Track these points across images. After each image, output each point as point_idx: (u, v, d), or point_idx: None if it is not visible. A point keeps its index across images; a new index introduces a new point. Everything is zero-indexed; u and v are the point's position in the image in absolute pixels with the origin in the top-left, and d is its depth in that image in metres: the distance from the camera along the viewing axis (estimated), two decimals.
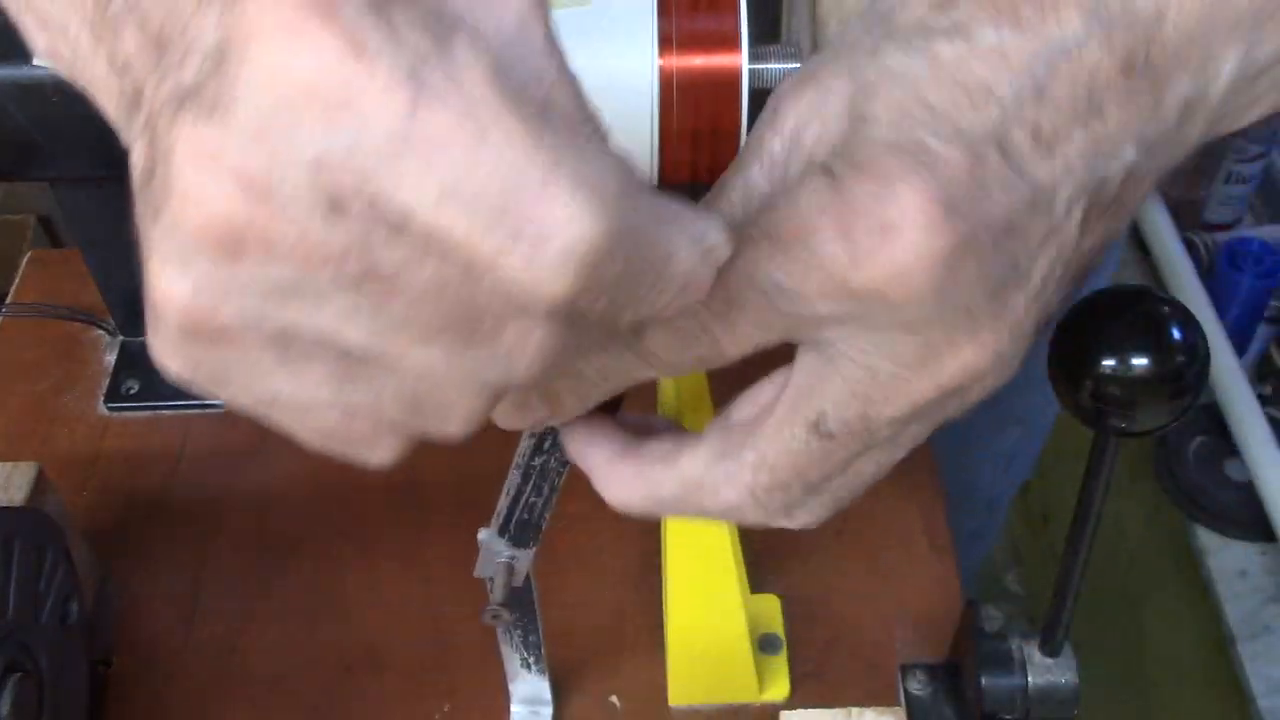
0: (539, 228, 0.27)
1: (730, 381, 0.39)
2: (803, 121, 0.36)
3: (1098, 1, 0.31)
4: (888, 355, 0.34)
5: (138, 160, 0.29)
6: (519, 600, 0.50)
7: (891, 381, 0.35)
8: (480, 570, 0.46)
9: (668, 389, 0.50)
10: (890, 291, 0.32)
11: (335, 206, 0.27)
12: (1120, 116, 0.31)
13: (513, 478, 0.43)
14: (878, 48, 0.33)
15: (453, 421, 0.32)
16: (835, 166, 0.32)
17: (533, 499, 0.43)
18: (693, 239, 0.30)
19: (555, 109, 0.30)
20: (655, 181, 0.53)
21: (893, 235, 0.31)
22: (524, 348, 0.29)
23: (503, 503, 0.44)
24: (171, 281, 0.28)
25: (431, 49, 0.26)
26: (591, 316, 0.29)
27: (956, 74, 0.31)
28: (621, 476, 0.39)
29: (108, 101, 0.32)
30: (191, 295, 0.28)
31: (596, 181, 0.27)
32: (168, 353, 0.30)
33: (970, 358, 0.34)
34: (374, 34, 0.26)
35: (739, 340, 0.35)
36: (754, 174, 0.36)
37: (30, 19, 0.34)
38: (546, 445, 0.41)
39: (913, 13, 0.33)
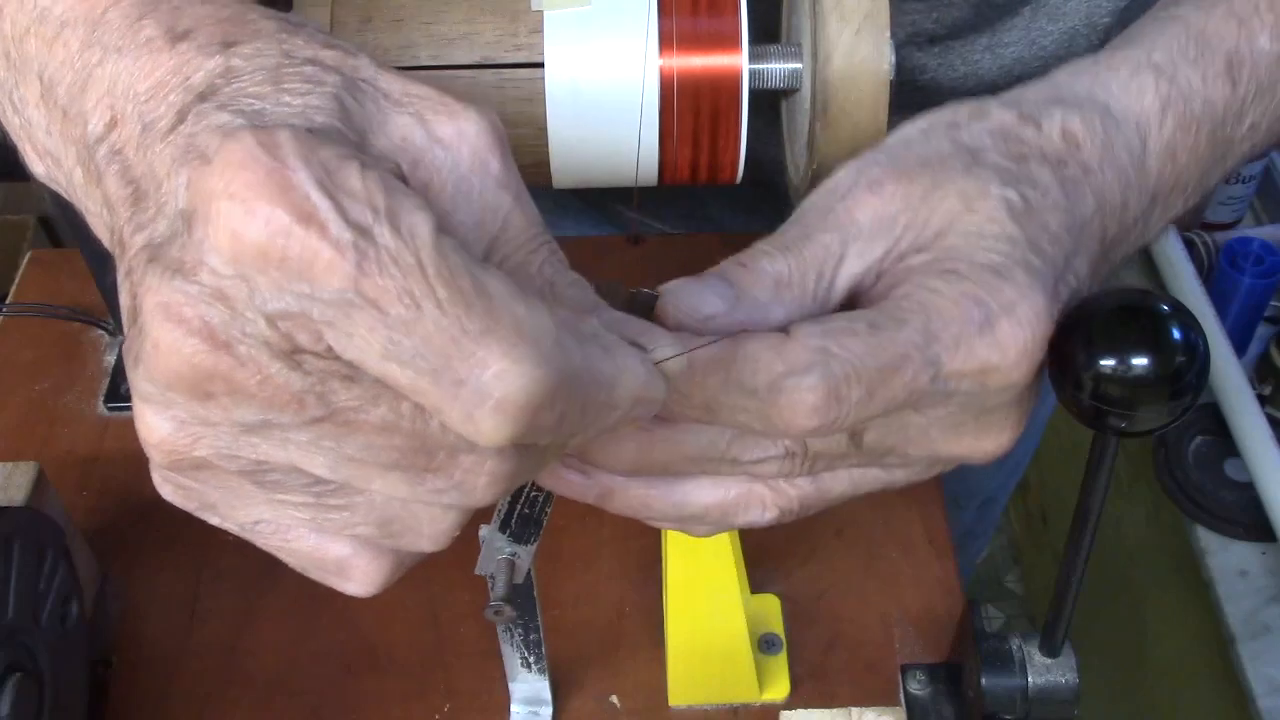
0: (474, 385, 0.29)
1: None
2: (884, 223, 0.40)
3: (1103, 199, 0.42)
4: (949, 419, 0.40)
5: (124, 301, 0.32)
6: (520, 597, 0.50)
7: (923, 433, 0.40)
8: (481, 567, 0.46)
9: None
10: (1016, 374, 0.38)
11: (292, 355, 0.30)
12: (1091, 269, 0.42)
13: None
14: (971, 173, 0.40)
15: (424, 540, 0.35)
16: (967, 272, 0.38)
17: (534, 493, 0.43)
18: (638, 363, 0.34)
19: (507, 241, 0.34)
20: (656, 181, 0.53)
21: (1028, 328, 0.38)
22: (477, 476, 0.32)
23: (503, 499, 0.43)
24: (152, 420, 0.31)
25: (375, 217, 0.29)
26: (542, 443, 0.32)
27: (1041, 219, 0.40)
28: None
29: (101, 234, 0.35)
30: (171, 432, 0.31)
31: (531, 335, 0.30)
32: (158, 481, 0.34)
33: (990, 445, 0.41)
34: (322, 204, 0.28)
35: None
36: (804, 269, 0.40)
37: (29, 148, 0.37)
38: None
39: (993, 157, 0.41)
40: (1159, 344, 0.37)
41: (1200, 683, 1.31)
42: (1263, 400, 1.29)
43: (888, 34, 0.49)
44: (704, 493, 0.41)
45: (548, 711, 0.58)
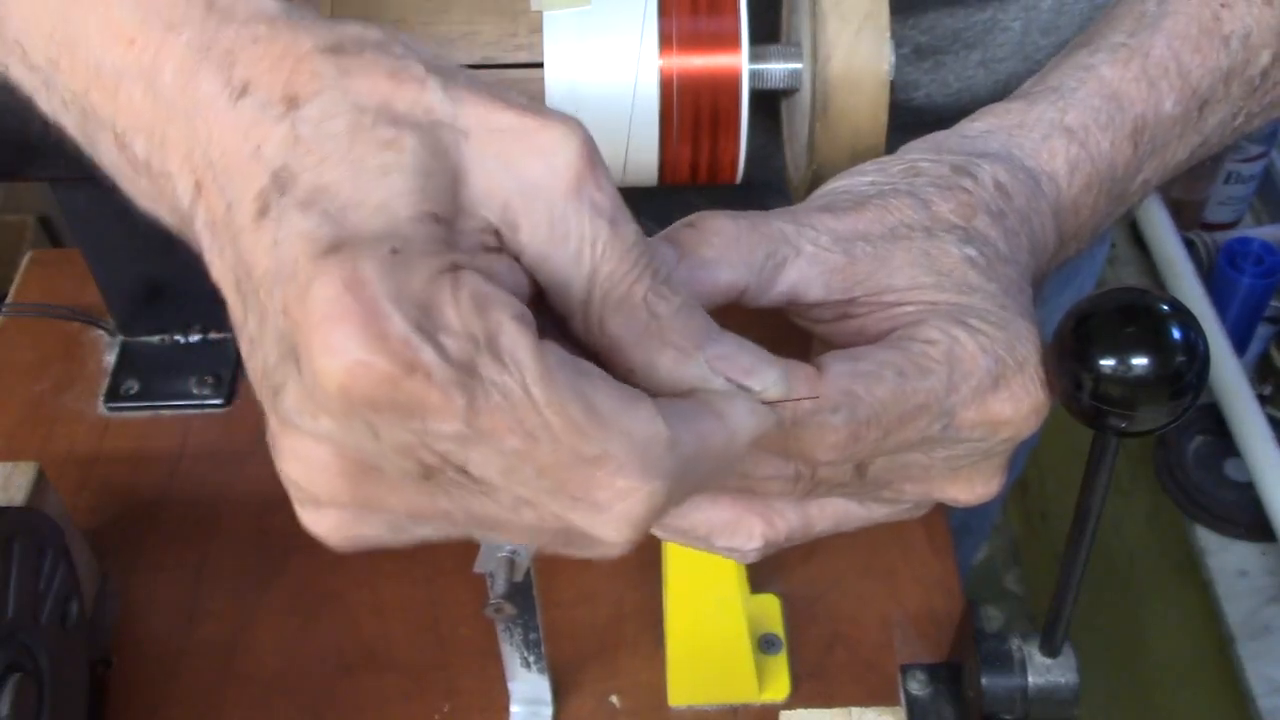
0: (595, 503, 0.30)
1: None
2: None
3: (1034, 246, 0.44)
4: (951, 461, 0.41)
5: (255, 378, 0.32)
6: (519, 597, 0.50)
7: (925, 473, 0.41)
8: (480, 565, 0.46)
9: None
10: (1026, 429, 0.40)
11: (429, 477, 0.30)
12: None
13: None
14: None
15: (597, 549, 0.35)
16: (980, 326, 0.40)
17: None
18: (749, 414, 0.34)
19: (609, 275, 0.33)
20: (655, 182, 0.53)
21: (1044, 387, 0.40)
22: (613, 549, 0.33)
23: None
24: (314, 522, 0.33)
25: (477, 349, 0.28)
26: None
27: (1000, 271, 0.42)
28: None
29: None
30: (334, 529, 0.32)
31: (645, 449, 0.30)
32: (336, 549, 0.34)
33: (981, 490, 0.43)
34: (424, 350, 0.28)
35: None
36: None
37: (120, 182, 0.36)
38: None
39: (944, 212, 0.42)
40: (1159, 344, 0.37)
41: (1200, 683, 1.31)
42: (1263, 400, 1.29)
43: (888, 34, 0.49)
44: (700, 509, 0.41)
45: (547, 711, 0.58)
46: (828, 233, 0.41)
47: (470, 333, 0.28)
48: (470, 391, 0.28)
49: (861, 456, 0.39)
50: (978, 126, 0.47)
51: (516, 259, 0.32)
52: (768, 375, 0.35)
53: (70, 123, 0.36)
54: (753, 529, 0.41)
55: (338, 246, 0.28)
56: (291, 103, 0.30)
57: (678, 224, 0.40)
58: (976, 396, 0.39)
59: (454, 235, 0.31)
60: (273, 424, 0.31)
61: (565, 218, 0.31)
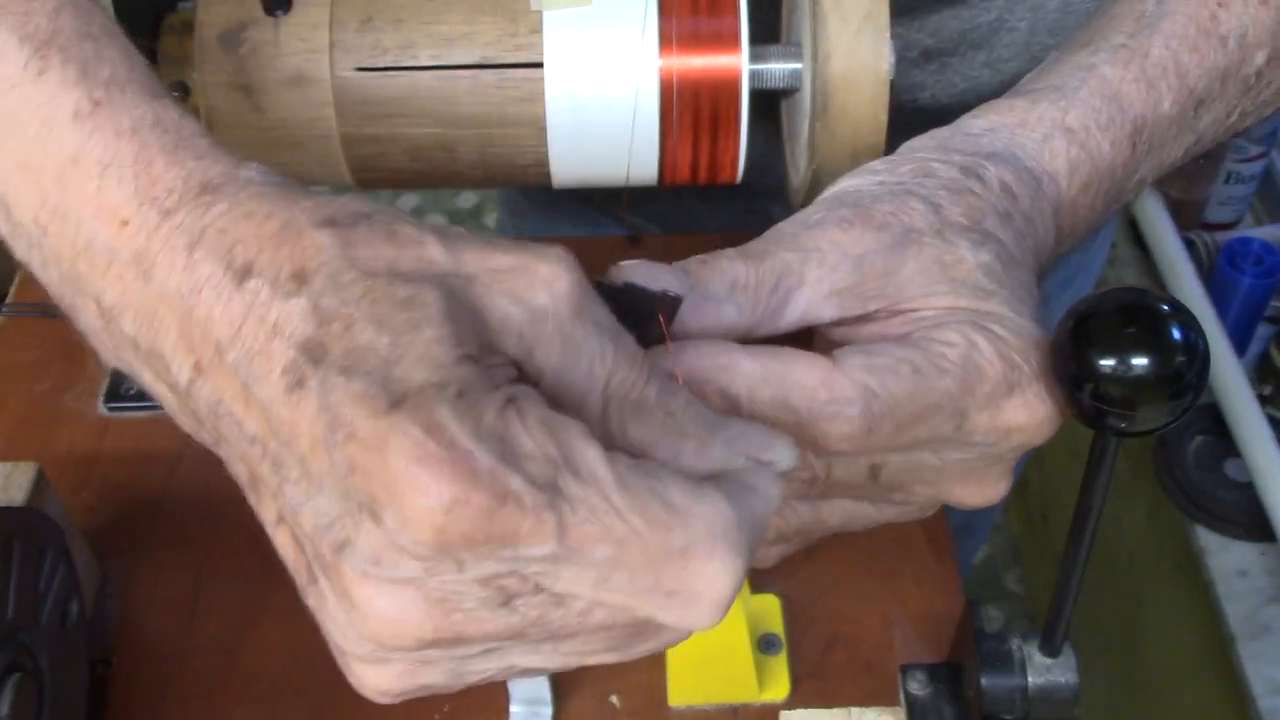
0: (688, 594, 0.31)
1: None
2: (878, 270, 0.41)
3: (1039, 247, 0.45)
4: (962, 464, 0.41)
5: (287, 552, 0.34)
6: None
7: (937, 475, 0.42)
8: None
9: None
10: (1039, 437, 0.41)
11: (508, 602, 0.31)
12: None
13: None
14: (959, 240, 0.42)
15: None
16: (1001, 333, 0.40)
17: None
18: (773, 484, 0.35)
19: (620, 382, 0.34)
20: (656, 182, 0.53)
21: (1050, 401, 0.41)
22: (687, 634, 0.34)
23: None
24: (377, 677, 0.34)
25: (557, 470, 0.30)
26: None
27: (1013, 274, 0.43)
28: None
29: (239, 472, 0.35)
30: (396, 679, 0.34)
31: (722, 531, 0.31)
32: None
33: (990, 493, 0.43)
34: (512, 479, 0.29)
35: None
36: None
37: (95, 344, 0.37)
38: None
39: (955, 216, 0.43)
40: (1159, 344, 0.37)
41: (1200, 683, 1.31)
42: (1263, 400, 1.29)
43: (888, 34, 0.49)
44: None
45: (547, 711, 0.58)
46: (835, 251, 0.41)
47: (548, 456, 0.30)
48: (559, 510, 0.29)
49: (875, 450, 0.39)
50: (979, 124, 0.47)
51: (536, 385, 0.33)
52: (781, 450, 0.36)
53: (49, 280, 0.36)
54: None
55: (400, 400, 0.29)
56: (300, 279, 0.31)
57: (692, 259, 0.41)
58: (990, 402, 0.39)
59: (490, 372, 0.32)
60: (334, 581, 0.31)
61: (574, 337, 0.33)
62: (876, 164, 0.45)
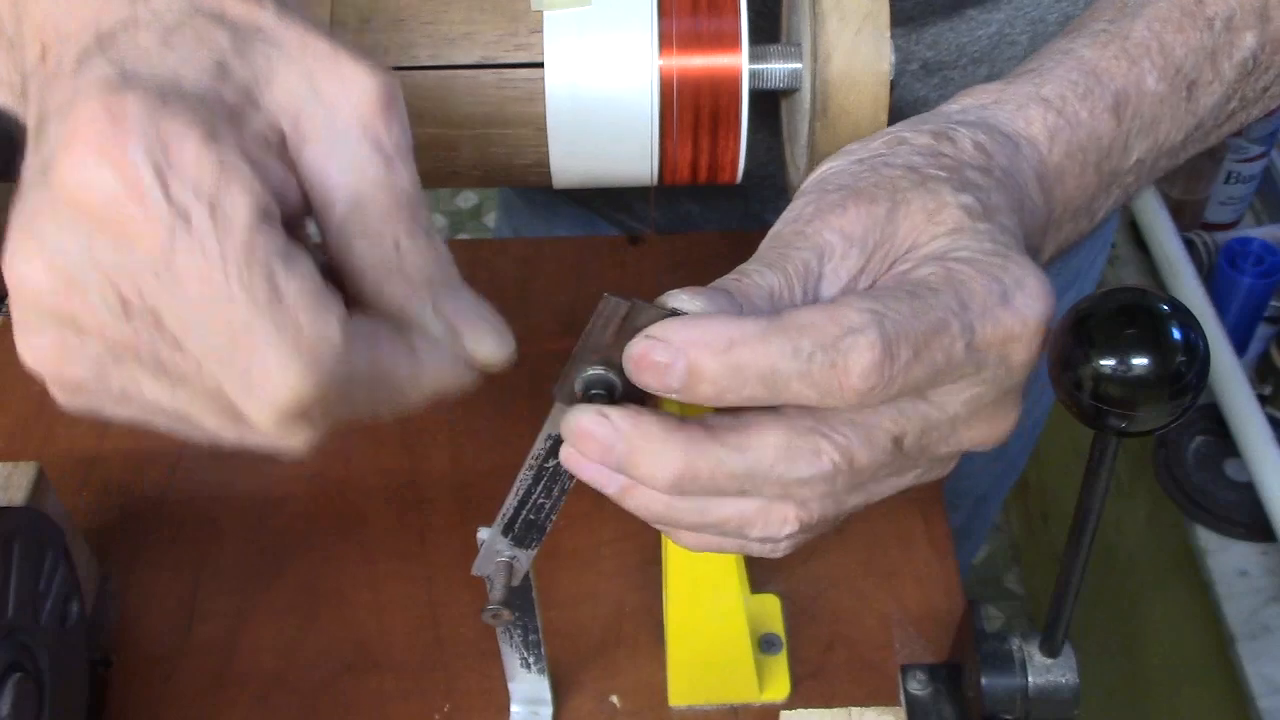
0: (250, 377, 0.32)
1: None
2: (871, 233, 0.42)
3: (1020, 201, 0.44)
4: (974, 402, 0.41)
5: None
6: (518, 599, 0.50)
7: (952, 426, 0.41)
8: (478, 569, 0.46)
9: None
10: (1035, 345, 0.41)
11: (125, 310, 0.33)
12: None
13: (524, 478, 0.42)
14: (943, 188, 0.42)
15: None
16: (973, 258, 0.40)
17: (541, 500, 0.43)
18: (445, 361, 0.36)
19: (372, 206, 0.35)
20: (656, 182, 0.53)
21: (1041, 300, 0.40)
22: (258, 436, 0.35)
23: (510, 502, 0.43)
24: (33, 348, 0.34)
25: (197, 198, 0.31)
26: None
27: (995, 217, 0.43)
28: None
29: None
30: (49, 352, 0.34)
31: (310, 344, 0.32)
32: (58, 399, 0.36)
33: (1003, 428, 0.42)
34: (147, 177, 0.31)
35: None
36: (783, 281, 0.41)
37: None
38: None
39: (934, 171, 0.43)
40: (1159, 344, 0.37)
41: (1200, 683, 1.31)
42: (1263, 400, 1.30)
43: (888, 34, 0.49)
44: (729, 500, 0.40)
45: (547, 711, 0.58)
46: (841, 240, 0.41)
47: (197, 184, 0.31)
48: (174, 232, 0.31)
49: (896, 387, 0.38)
50: (954, 106, 0.48)
51: (294, 168, 0.35)
52: (485, 337, 0.37)
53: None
54: (786, 514, 0.41)
55: (118, 87, 0.31)
56: None
57: (725, 279, 0.41)
58: (988, 311, 0.39)
59: (241, 122, 0.33)
60: (11, 226, 0.33)
61: (345, 141, 0.34)
62: (853, 145, 0.45)
